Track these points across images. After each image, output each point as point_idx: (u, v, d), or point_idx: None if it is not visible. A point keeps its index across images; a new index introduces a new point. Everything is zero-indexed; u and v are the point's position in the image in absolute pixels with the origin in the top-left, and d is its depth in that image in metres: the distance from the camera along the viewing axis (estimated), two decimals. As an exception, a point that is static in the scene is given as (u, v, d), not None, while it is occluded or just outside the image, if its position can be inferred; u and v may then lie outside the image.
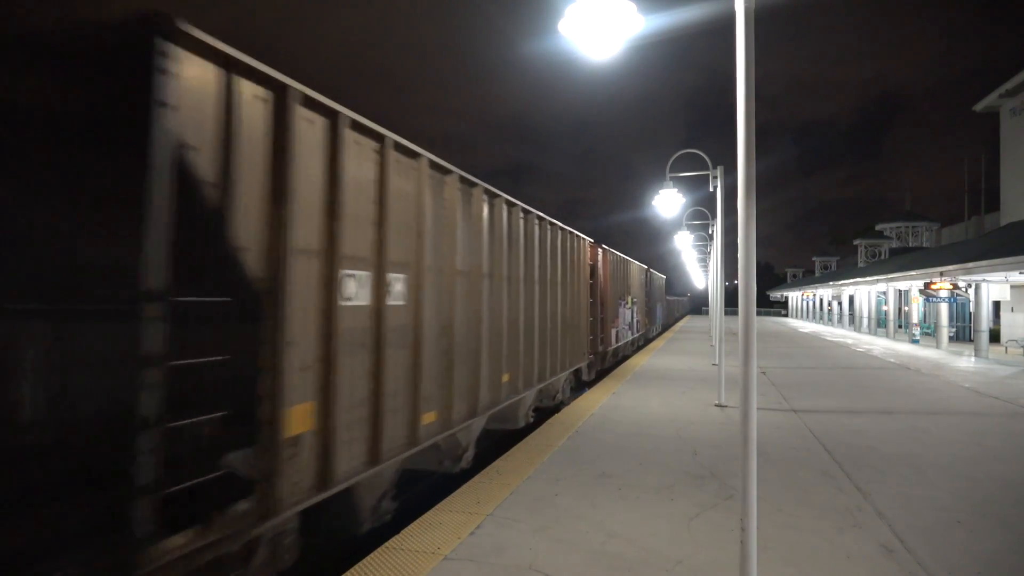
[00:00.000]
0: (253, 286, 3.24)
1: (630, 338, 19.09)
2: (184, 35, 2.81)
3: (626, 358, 18.34)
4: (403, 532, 4.51)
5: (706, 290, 52.06)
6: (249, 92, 3.28)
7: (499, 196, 7.01)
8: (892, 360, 18.45)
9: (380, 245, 4.46)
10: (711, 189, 10.46)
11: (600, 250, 14.13)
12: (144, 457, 2.56)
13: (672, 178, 11.43)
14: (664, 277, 36.87)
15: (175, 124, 2.76)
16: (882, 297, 33.63)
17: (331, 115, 3.95)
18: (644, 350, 21.60)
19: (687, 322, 50.63)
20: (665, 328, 36.70)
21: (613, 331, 15.57)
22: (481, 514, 4.84)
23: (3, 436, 2.94)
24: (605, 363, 14.91)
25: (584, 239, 12.18)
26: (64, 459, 2.98)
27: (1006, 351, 22.32)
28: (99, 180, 3.06)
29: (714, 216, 15.44)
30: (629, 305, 18.64)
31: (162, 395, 2.64)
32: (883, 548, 4.26)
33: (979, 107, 26.65)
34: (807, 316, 56.15)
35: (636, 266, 20.89)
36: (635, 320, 20.35)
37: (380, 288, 4.43)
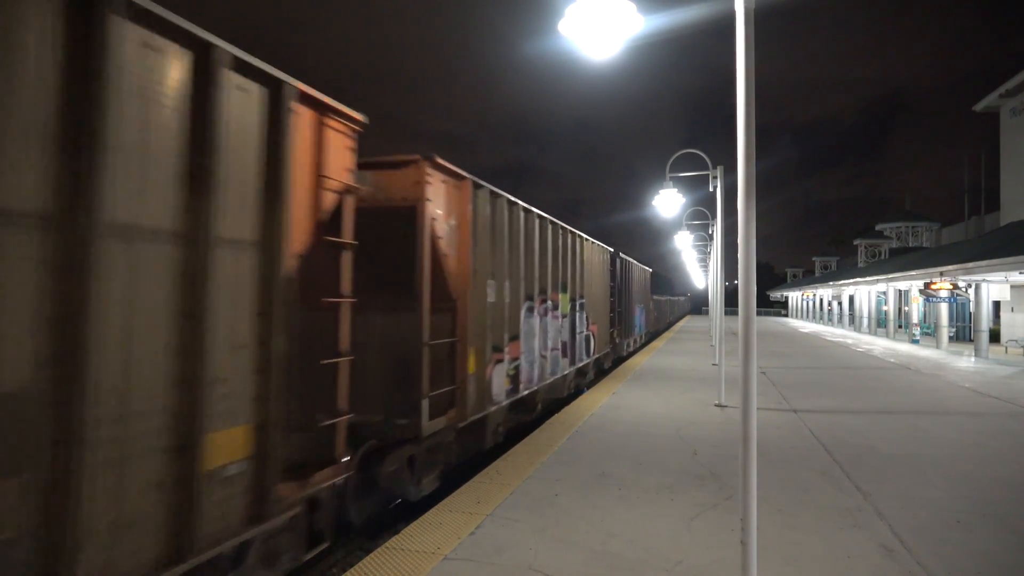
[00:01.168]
0: None
1: (569, 371, 11.11)
2: None
3: (563, 403, 10.66)
4: (403, 532, 4.51)
5: (706, 290, 52.07)
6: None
7: None
8: (892, 360, 18.45)
9: None
10: (711, 189, 10.47)
11: (444, 178, 6.05)
12: None
13: (672, 178, 11.43)
14: (650, 270, 26.30)
15: None
16: (882, 297, 33.63)
17: None
18: (644, 350, 21.50)
19: (687, 322, 50.65)
20: (652, 337, 28.55)
21: (499, 367, 7.39)
22: (481, 514, 4.85)
23: None
24: (487, 441, 7.14)
25: (341, 122, 4.28)
26: None
27: (1006, 351, 22.32)
28: None
29: (714, 216, 15.42)
30: (563, 311, 10.60)
31: None
32: (883, 548, 4.26)
33: (979, 107, 26.68)
34: (807, 316, 56.15)
35: (582, 241, 12.07)
36: (582, 335, 12.18)
37: None
